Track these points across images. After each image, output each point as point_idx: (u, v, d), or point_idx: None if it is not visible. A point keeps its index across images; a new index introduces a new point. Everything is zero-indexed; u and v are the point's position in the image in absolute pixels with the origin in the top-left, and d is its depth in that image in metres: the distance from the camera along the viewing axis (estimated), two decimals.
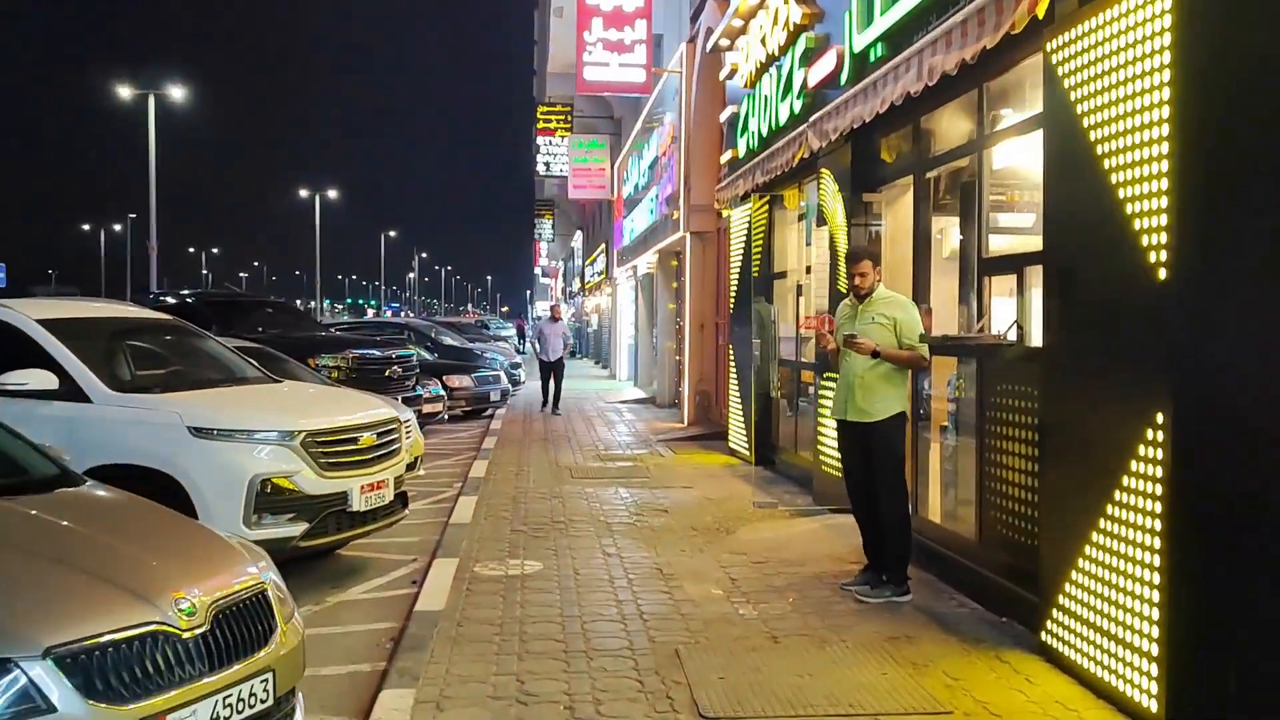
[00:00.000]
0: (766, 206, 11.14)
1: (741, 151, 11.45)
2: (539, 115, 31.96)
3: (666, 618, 5.70)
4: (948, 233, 7.01)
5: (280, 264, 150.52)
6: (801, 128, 8.52)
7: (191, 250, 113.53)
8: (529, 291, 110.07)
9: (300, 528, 6.39)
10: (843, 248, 8.15)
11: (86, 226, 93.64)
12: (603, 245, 32.97)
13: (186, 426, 6.29)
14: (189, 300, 13.32)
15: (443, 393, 15.77)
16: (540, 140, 31.85)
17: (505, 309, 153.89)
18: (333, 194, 69.86)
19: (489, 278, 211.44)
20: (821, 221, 8.84)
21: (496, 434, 14.87)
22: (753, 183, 10.37)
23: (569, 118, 31.25)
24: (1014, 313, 5.82)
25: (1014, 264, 5.65)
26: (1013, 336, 5.56)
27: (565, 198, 36.33)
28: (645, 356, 23.30)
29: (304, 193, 68.00)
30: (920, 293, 6.94)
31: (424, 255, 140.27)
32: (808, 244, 9.93)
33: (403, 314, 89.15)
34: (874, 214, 8.14)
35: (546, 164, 32.02)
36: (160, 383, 6.98)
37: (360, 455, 6.85)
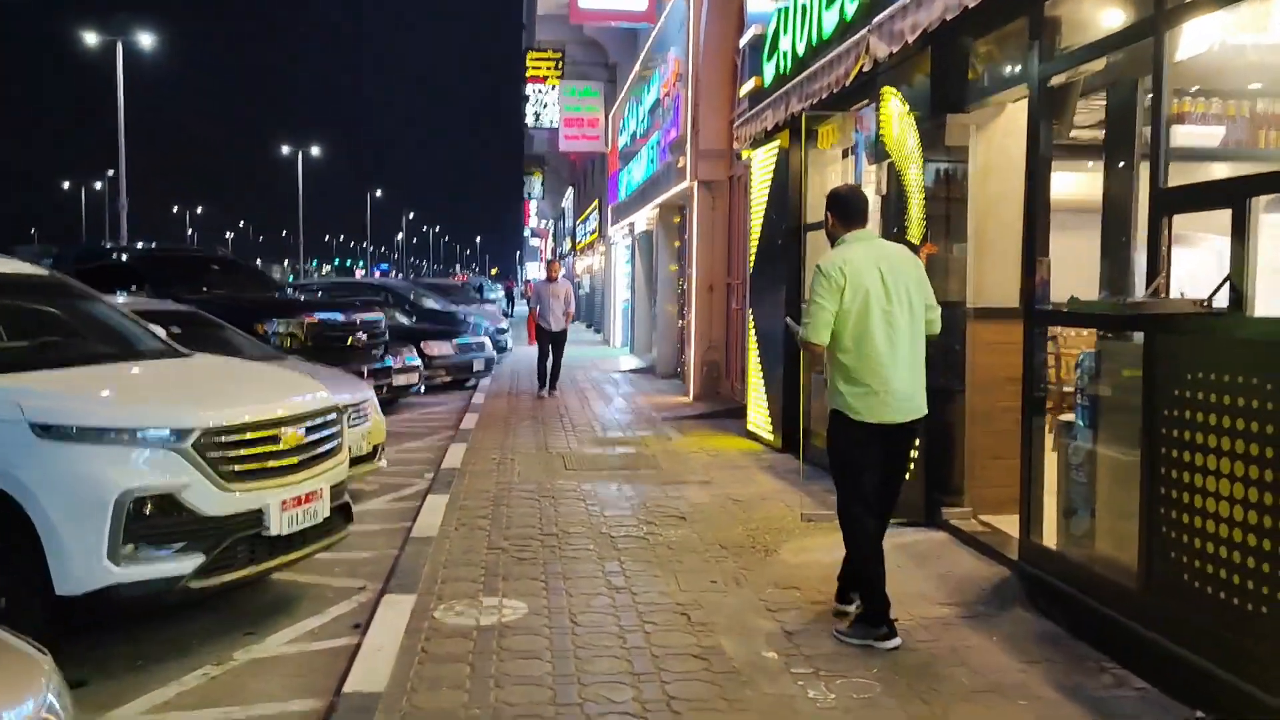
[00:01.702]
0: (800, 144, 9.31)
1: (768, 79, 9.58)
2: (528, 62, 29.74)
3: (704, 705, 3.95)
4: (1075, 160, 5.23)
5: (268, 224, 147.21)
6: (860, 34, 6.66)
7: (176, 209, 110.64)
8: (519, 253, 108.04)
9: (193, 562, 4.61)
10: (916, 184, 6.35)
11: (66, 184, 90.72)
12: (595, 202, 31.03)
13: (29, 422, 4.49)
14: (119, 256, 11.45)
15: (418, 362, 13.94)
16: (529, 89, 29.67)
17: (495, 270, 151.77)
18: (320, 153, 67.64)
19: (478, 239, 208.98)
20: (880, 156, 7.03)
21: (478, 410, 13.09)
22: (785, 113, 8.52)
23: (560, 64, 29.13)
24: (1198, 267, 4.07)
25: (1224, 195, 3.85)
26: (1222, 302, 3.78)
27: (556, 152, 34.25)
28: (643, 321, 21.49)
29: (286, 150, 65.90)
30: (1038, 243, 5.14)
31: (411, 216, 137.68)
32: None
33: (392, 275, 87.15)
34: (955, 142, 6.34)
35: (536, 114, 29.87)
36: (6, 360, 5.16)
37: (283, 458, 5.07)
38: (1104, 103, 5.66)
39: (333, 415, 5.59)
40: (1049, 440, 5.28)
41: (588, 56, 28.65)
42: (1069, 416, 5.20)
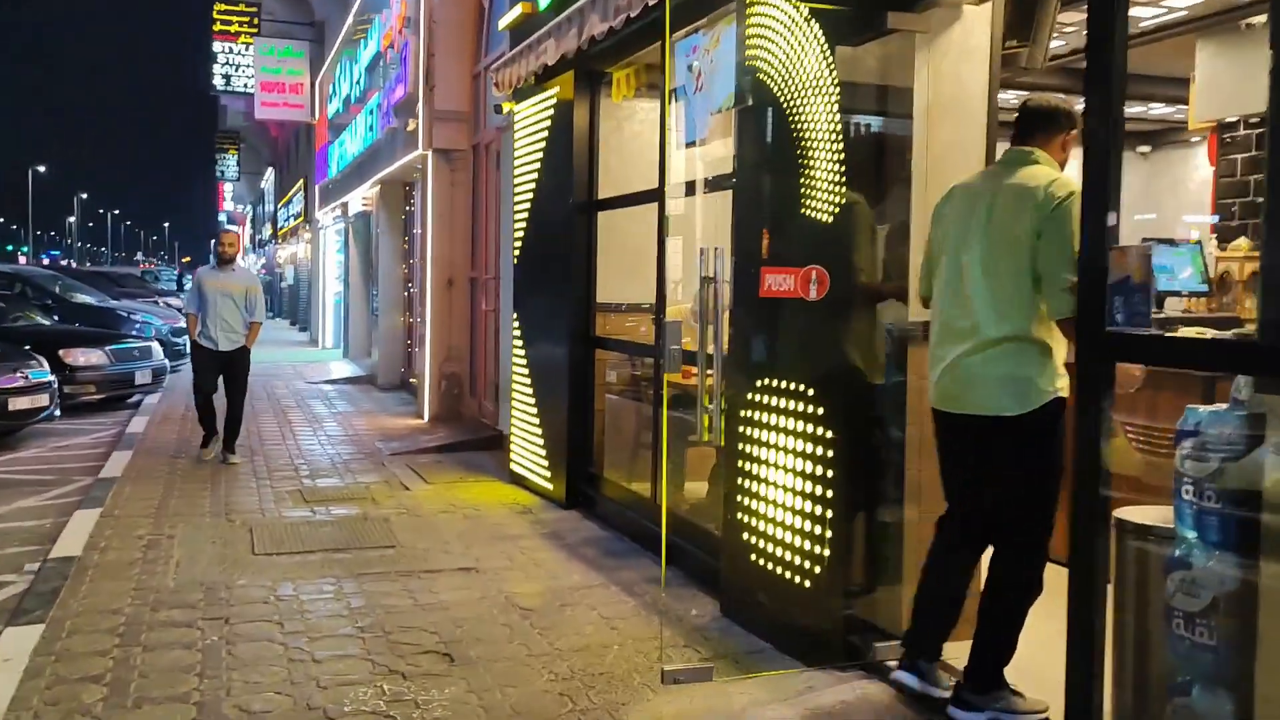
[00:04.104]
0: (586, 94, 6.86)
1: (544, 1, 7.06)
2: (216, 15, 25.35)
3: None
4: None
5: None
6: None
7: None
8: (213, 240, 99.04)
9: None
10: (824, 132, 4.04)
11: None
12: (300, 182, 27.13)
13: None
14: None
15: (50, 377, 10.29)
16: (217, 46, 25.32)
17: (186, 259, 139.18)
18: None
19: (166, 224, 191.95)
20: (743, 95, 4.68)
21: (134, 442, 9.67)
22: (580, 39, 6.03)
23: (255, 20, 25.05)
24: None
25: None
26: None
27: (253, 124, 29.88)
28: (359, 321, 18.27)
29: None
30: (1105, 224, 2.95)
31: (85, 197, 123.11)
32: (688, 143, 5.76)
33: (64, 263, 77.27)
34: (892, 67, 4.11)
35: (226, 77, 25.56)
36: None
37: None
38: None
39: None
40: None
41: (289, 12, 24.85)
42: (1134, 515, 3.06)
